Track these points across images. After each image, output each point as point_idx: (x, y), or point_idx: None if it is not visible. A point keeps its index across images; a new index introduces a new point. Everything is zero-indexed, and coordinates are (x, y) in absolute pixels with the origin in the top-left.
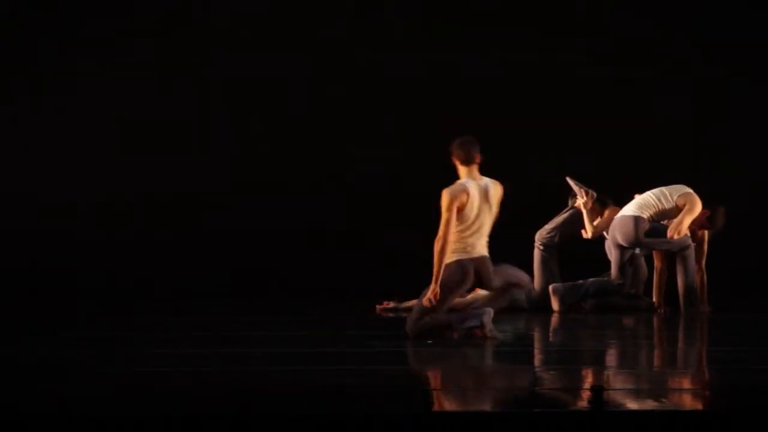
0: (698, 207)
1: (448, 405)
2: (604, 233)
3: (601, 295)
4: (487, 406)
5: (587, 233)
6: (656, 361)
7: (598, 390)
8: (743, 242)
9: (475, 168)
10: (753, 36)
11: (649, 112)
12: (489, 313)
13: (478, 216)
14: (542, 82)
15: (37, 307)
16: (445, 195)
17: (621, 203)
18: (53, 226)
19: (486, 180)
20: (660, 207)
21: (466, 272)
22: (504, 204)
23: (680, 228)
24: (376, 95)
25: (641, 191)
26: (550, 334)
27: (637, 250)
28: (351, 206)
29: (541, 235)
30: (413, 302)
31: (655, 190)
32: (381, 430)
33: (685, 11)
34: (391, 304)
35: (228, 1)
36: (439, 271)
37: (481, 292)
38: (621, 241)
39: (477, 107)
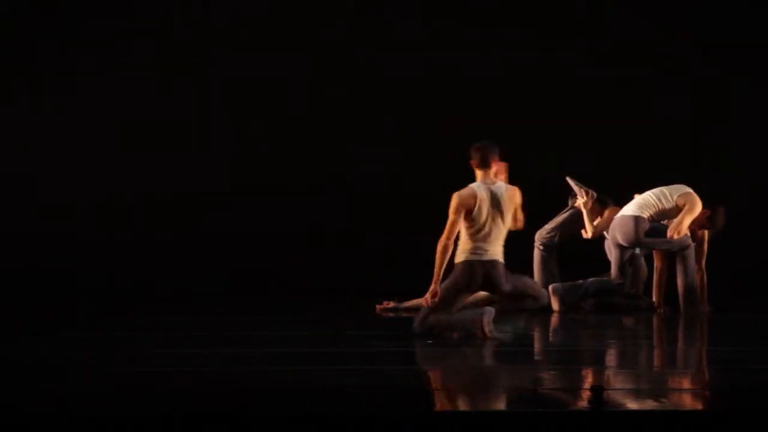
0: (698, 207)
1: (448, 405)
2: (604, 233)
3: (601, 295)
4: (487, 406)
5: (587, 233)
6: (656, 361)
7: (598, 390)
8: (743, 242)
9: (490, 172)
10: (753, 36)
11: (649, 112)
12: (489, 312)
13: (487, 220)
14: (542, 82)
15: (37, 307)
16: (454, 198)
17: (621, 203)
18: (53, 226)
19: (500, 185)
20: (660, 207)
21: (473, 274)
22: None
23: (680, 228)
24: (376, 95)
25: (641, 191)
26: (550, 334)
27: (637, 250)
28: (351, 206)
29: (541, 235)
30: (413, 302)
31: (655, 190)
32: (381, 430)
33: (685, 11)
34: (391, 304)
35: (228, 1)
36: (439, 272)
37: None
38: (621, 241)
39: (477, 107)
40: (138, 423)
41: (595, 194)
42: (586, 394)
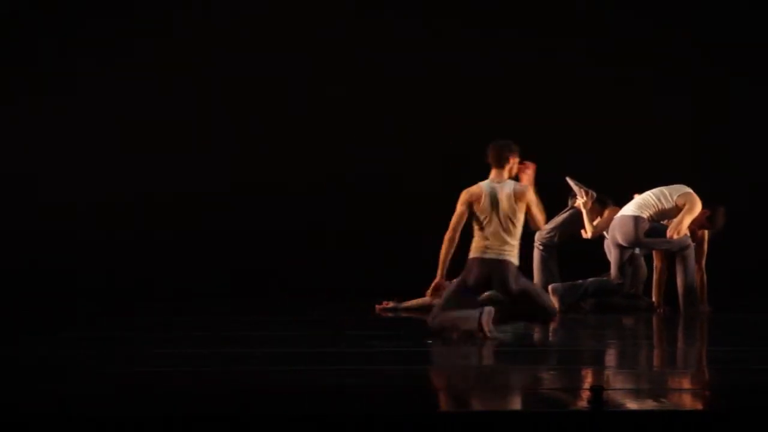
0: (698, 207)
1: (448, 405)
2: (604, 233)
3: (601, 295)
4: (486, 406)
5: (587, 233)
6: (656, 361)
7: (597, 390)
8: (743, 242)
9: (503, 171)
10: (753, 36)
11: (649, 112)
12: (488, 312)
13: (490, 218)
14: (542, 82)
15: (37, 307)
16: (463, 192)
17: (621, 203)
18: (53, 226)
19: (507, 184)
20: (660, 207)
21: (477, 271)
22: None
23: (680, 228)
24: (376, 95)
25: (641, 191)
26: (550, 334)
27: (637, 250)
28: (351, 206)
29: (540, 235)
30: (413, 302)
31: (655, 190)
32: (381, 430)
33: (685, 11)
34: (391, 304)
35: (228, 1)
36: (441, 265)
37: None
38: (621, 241)
39: (477, 107)
40: (138, 423)
41: (594, 194)
42: (585, 394)
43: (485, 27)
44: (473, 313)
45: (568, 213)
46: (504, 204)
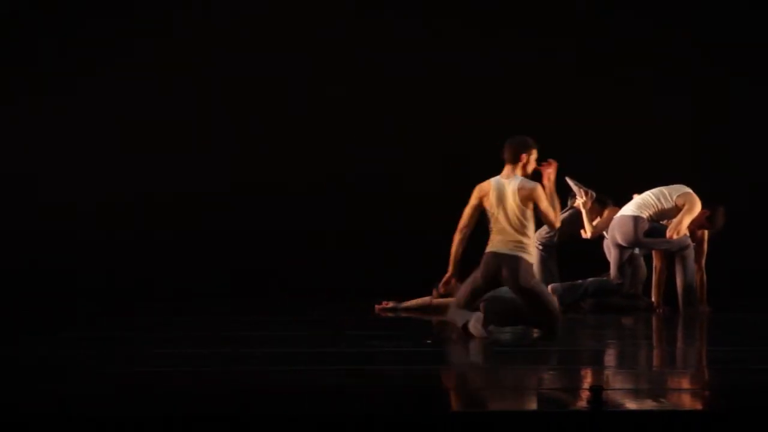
0: (697, 207)
1: (448, 405)
2: (604, 233)
3: (600, 295)
4: (486, 407)
5: (586, 233)
6: (655, 361)
7: (597, 390)
8: (743, 242)
9: (514, 168)
10: (753, 36)
11: (649, 112)
12: (477, 317)
13: (497, 214)
14: (542, 82)
15: (37, 307)
16: (475, 188)
17: (621, 203)
18: (53, 226)
19: (515, 180)
20: (659, 207)
21: (486, 266)
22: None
23: (679, 228)
24: (376, 95)
25: (641, 191)
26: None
27: (637, 250)
28: (351, 206)
29: (540, 235)
30: (412, 302)
31: (655, 190)
32: (381, 430)
33: (685, 11)
34: (391, 304)
35: (228, 1)
36: (452, 260)
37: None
38: (620, 241)
39: (477, 107)
40: (138, 423)
41: (594, 194)
42: (585, 394)
43: (485, 27)
44: (467, 315)
45: (567, 213)
46: (510, 200)
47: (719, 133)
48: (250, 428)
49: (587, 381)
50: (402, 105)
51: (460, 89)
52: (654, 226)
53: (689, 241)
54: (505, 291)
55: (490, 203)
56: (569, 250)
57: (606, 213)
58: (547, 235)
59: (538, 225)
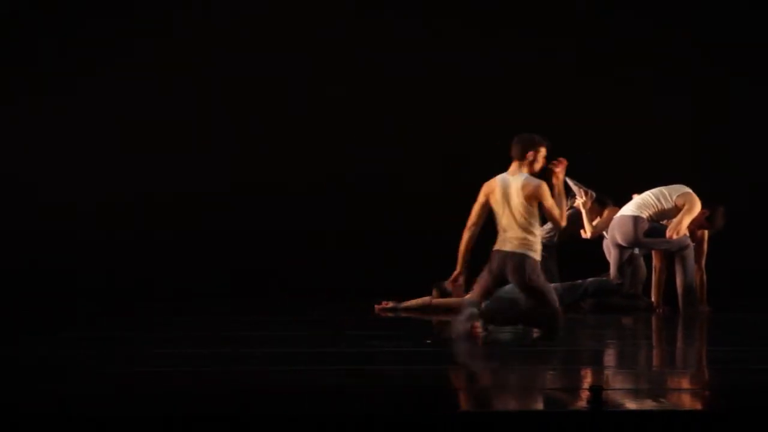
0: (697, 207)
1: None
2: (604, 233)
3: (600, 295)
4: (486, 407)
5: (586, 233)
6: (655, 361)
7: (597, 390)
8: (743, 242)
9: (521, 165)
10: (753, 36)
11: (649, 112)
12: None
13: (501, 211)
14: (542, 82)
15: (37, 307)
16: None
17: (621, 203)
18: (53, 226)
19: (519, 177)
20: (659, 207)
21: (491, 262)
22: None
23: (679, 228)
24: (376, 95)
25: (640, 191)
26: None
27: (636, 250)
28: (351, 206)
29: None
30: (412, 302)
31: (655, 190)
32: (381, 430)
33: (685, 11)
34: (390, 304)
35: (228, 1)
36: (460, 257)
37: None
38: (620, 241)
39: (477, 107)
40: (138, 423)
41: (594, 194)
42: (585, 394)
43: (485, 27)
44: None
45: (567, 213)
46: (513, 197)
47: (719, 133)
48: (250, 428)
49: (587, 381)
50: (402, 105)
51: (460, 89)
52: (654, 226)
53: (689, 241)
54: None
55: (496, 200)
56: (569, 250)
57: (606, 213)
58: (547, 235)
59: (544, 222)
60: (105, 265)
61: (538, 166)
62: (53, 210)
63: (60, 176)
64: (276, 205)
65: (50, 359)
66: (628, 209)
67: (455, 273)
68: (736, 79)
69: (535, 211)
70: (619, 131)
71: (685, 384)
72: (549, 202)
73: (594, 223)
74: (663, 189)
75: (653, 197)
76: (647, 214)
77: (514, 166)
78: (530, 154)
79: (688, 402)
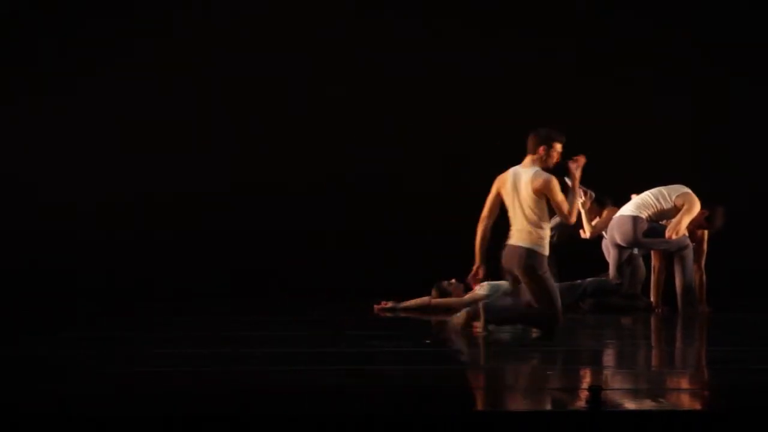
0: (696, 207)
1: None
2: (603, 233)
3: (600, 295)
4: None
5: (585, 233)
6: (654, 361)
7: (596, 390)
8: (743, 242)
9: (533, 158)
10: (753, 36)
11: (649, 112)
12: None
13: (512, 205)
14: (542, 82)
15: (37, 307)
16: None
17: (620, 203)
18: (53, 226)
19: (529, 171)
20: (658, 207)
21: (502, 256)
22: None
23: (678, 228)
24: (376, 95)
25: (640, 191)
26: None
27: (636, 250)
28: (351, 206)
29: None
30: (411, 302)
31: (654, 190)
32: (381, 430)
33: (685, 11)
34: (390, 304)
35: (228, 1)
36: (476, 251)
37: (478, 292)
38: (619, 241)
39: (477, 107)
40: (138, 423)
41: (593, 194)
42: (584, 394)
43: (485, 27)
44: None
45: None
46: (522, 190)
47: (719, 133)
48: (250, 428)
49: (586, 381)
50: (402, 105)
51: (460, 89)
52: (653, 226)
53: (688, 241)
54: (504, 290)
55: (507, 193)
56: (568, 250)
57: (605, 213)
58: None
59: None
60: (105, 265)
61: (551, 161)
62: (53, 210)
63: (60, 176)
64: (276, 205)
65: (50, 359)
66: (627, 209)
67: (474, 267)
68: (736, 79)
69: (544, 205)
70: (619, 131)
71: (684, 384)
72: (558, 197)
73: (593, 223)
74: (662, 189)
75: (652, 197)
76: (646, 215)
77: (527, 159)
78: (542, 149)
79: (687, 402)
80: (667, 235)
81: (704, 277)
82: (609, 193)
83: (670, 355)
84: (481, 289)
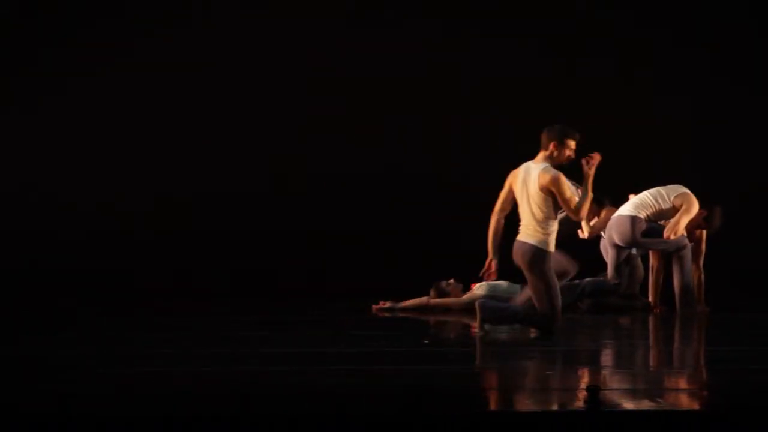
0: (695, 207)
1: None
2: (601, 233)
3: (598, 295)
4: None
5: (584, 233)
6: (652, 361)
7: (594, 390)
8: (742, 242)
9: (544, 154)
10: (753, 36)
11: (649, 112)
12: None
13: (521, 200)
14: (542, 82)
15: (37, 307)
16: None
17: (618, 203)
18: (53, 226)
19: (538, 167)
20: (657, 207)
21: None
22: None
23: (677, 228)
24: (376, 95)
25: (639, 191)
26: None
27: (634, 250)
28: (351, 206)
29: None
30: (409, 302)
31: (652, 190)
32: (381, 430)
33: (685, 11)
34: (388, 304)
35: (228, 1)
36: (489, 245)
37: (477, 292)
38: (618, 241)
39: (477, 107)
40: (138, 423)
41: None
42: (582, 394)
43: (485, 27)
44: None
45: (564, 214)
46: (530, 186)
47: (719, 133)
48: (250, 428)
49: (584, 381)
50: (402, 105)
51: (460, 89)
52: (651, 226)
53: (686, 241)
54: (503, 290)
55: (517, 188)
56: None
57: (603, 213)
58: None
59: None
60: (106, 265)
61: (563, 158)
62: (54, 210)
63: (60, 176)
64: (276, 205)
65: (50, 359)
66: (626, 209)
67: (487, 260)
68: (736, 79)
69: (551, 203)
70: (619, 131)
71: (683, 384)
72: (565, 194)
73: (591, 223)
74: (660, 189)
75: (651, 197)
76: (645, 215)
77: (539, 155)
78: (553, 145)
79: (685, 402)
80: (665, 235)
81: (702, 277)
82: (609, 193)
83: (669, 355)
84: (479, 289)
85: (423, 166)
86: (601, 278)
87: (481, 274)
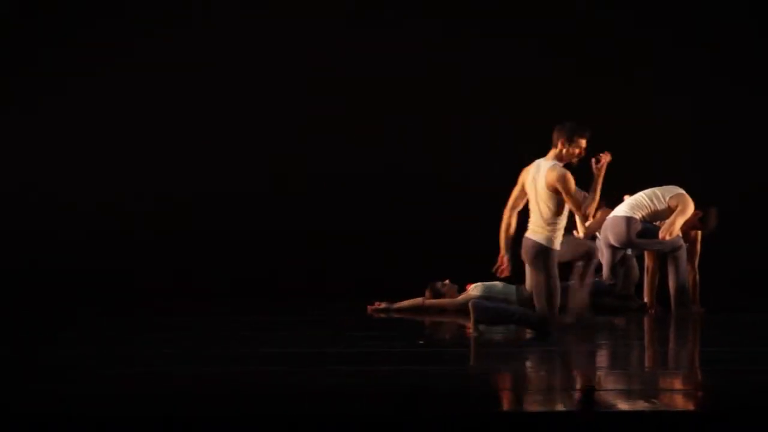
0: (690, 208)
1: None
2: (597, 234)
3: (593, 296)
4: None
5: (579, 234)
6: (647, 362)
7: (589, 391)
8: (741, 243)
9: (553, 152)
10: (753, 36)
11: (649, 112)
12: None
13: (530, 197)
14: (542, 82)
15: (37, 307)
16: None
17: (614, 204)
18: (53, 226)
19: (546, 165)
20: (652, 208)
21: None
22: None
23: (672, 229)
24: (376, 95)
25: (637, 192)
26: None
27: (629, 251)
28: (351, 206)
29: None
30: (405, 303)
31: (648, 191)
32: (381, 430)
33: (685, 11)
34: (383, 305)
35: (228, 1)
36: (501, 242)
37: (472, 293)
38: (613, 242)
39: (477, 107)
40: (138, 423)
41: (587, 195)
42: (577, 395)
43: (485, 27)
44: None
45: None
46: (538, 183)
47: (719, 133)
48: (250, 428)
49: (579, 382)
50: (402, 105)
51: (460, 89)
52: (647, 227)
53: (682, 242)
54: (498, 290)
55: (528, 184)
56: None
57: (599, 214)
58: None
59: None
60: (105, 265)
61: (571, 156)
62: (54, 210)
63: (60, 176)
64: (276, 205)
65: (50, 359)
66: (621, 210)
67: (499, 257)
68: (736, 80)
69: (558, 200)
70: (619, 131)
71: (678, 384)
72: (571, 192)
73: (587, 224)
74: (656, 190)
75: (646, 198)
76: (640, 215)
77: (550, 152)
78: (562, 142)
79: (680, 402)
80: (660, 236)
81: (698, 277)
82: (608, 194)
83: (664, 356)
84: (474, 290)
85: (423, 166)
86: (597, 279)
87: (494, 269)
